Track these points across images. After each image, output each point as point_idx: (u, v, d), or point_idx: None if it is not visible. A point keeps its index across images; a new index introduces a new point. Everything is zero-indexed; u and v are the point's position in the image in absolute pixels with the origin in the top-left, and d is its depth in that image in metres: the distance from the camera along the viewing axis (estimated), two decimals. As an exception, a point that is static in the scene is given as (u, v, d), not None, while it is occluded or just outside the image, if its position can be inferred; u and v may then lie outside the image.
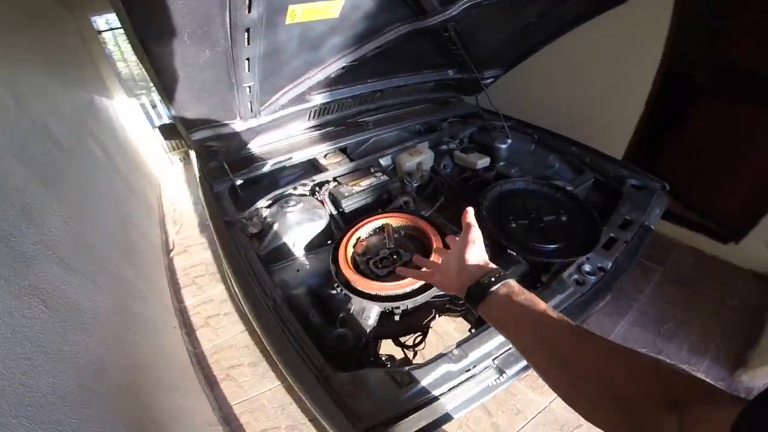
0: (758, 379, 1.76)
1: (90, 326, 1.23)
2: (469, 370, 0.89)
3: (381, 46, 1.36)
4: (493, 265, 0.68)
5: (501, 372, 0.90)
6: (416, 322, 1.23)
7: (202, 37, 0.92)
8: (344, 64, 1.38)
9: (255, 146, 1.68)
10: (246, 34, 0.98)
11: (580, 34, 1.76)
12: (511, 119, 2.02)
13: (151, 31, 0.84)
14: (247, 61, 1.10)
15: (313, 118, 1.76)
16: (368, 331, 1.05)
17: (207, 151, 1.48)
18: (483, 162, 1.74)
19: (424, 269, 0.84)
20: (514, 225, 1.33)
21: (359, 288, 1.08)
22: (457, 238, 0.77)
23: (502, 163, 1.87)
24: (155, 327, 1.90)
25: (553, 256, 1.23)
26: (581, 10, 1.56)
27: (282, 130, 1.72)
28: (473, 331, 1.06)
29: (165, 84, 1.02)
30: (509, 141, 1.90)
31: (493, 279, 0.63)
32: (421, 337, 1.24)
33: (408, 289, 1.08)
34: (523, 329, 0.58)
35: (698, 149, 2.50)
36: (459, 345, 0.94)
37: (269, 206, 1.49)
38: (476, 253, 0.71)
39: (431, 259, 0.95)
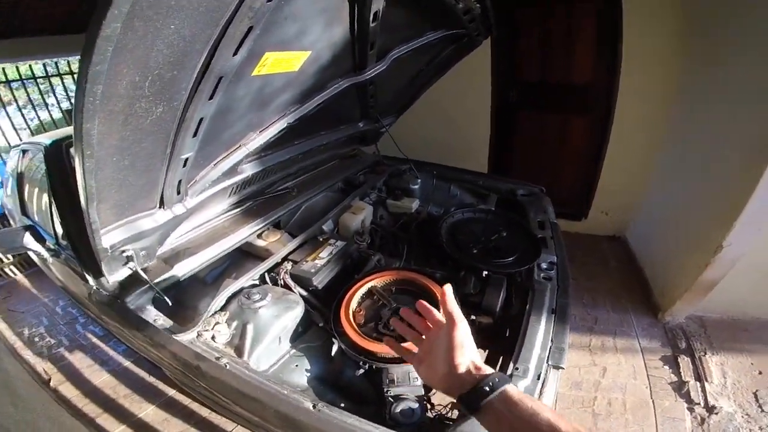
0: (677, 316, 2.50)
1: None
2: (539, 377, 1.09)
3: (321, 104, 1.48)
4: (486, 369, 0.67)
5: (557, 368, 1.14)
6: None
7: (166, 84, 0.81)
8: (285, 124, 1.44)
9: (172, 241, 1.51)
10: (215, 84, 0.93)
11: (440, 82, 2.37)
12: (409, 160, 2.47)
13: (112, 68, 0.66)
14: (198, 122, 1.03)
15: (235, 193, 1.70)
16: (423, 392, 1.12)
17: (114, 260, 1.26)
18: (415, 204, 2.05)
19: (410, 346, 0.84)
20: (475, 251, 1.66)
21: (397, 355, 1.15)
22: (439, 316, 0.79)
23: (418, 201, 2.25)
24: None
25: (518, 265, 1.59)
26: (450, 57, 2.08)
27: (203, 214, 1.59)
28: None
29: (96, 158, 0.81)
30: (419, 180, 2.31)
31: (487, 388, 0.62)
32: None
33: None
34: None
35: (530, 152, 3.56)
36: (514, 362, 1.13)
37: (223, 308, 1.38)
38: (468, 354, 0.70)
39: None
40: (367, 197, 2.13)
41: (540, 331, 1.26)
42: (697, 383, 2.15)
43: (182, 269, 1.43)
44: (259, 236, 1.71)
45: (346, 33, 1.27)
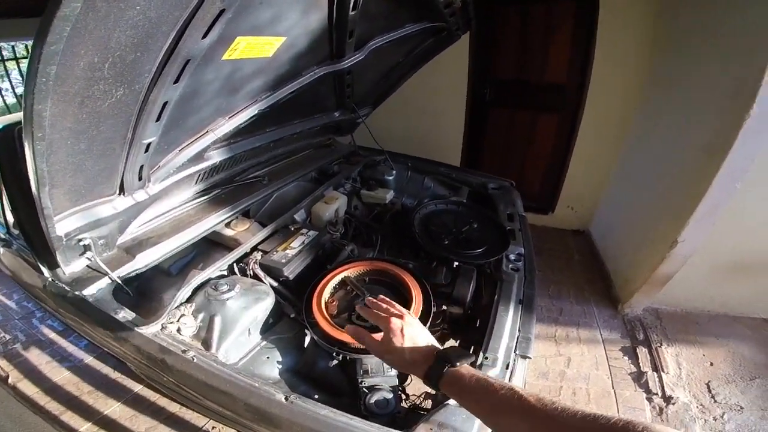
0: (635, 308, 2.64)
1: None
2: (508, 367, 1.12)
3: (294, 91, 1.44)
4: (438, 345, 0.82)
5: (524, 357, 1.18)
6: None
7: (128, 66, 0.77)
8: (257, 111, 1.39)
9: (134, 230, 1.44)
10: (181, 67, 0.89)
11: (416, 75, 2.36)
12: (385, 152, 2.46)
13: (69, 50, 0.62)
14: (161, 107, 0.99)
15: (202, 180, 1.63)
16: (397, 382, 1.14)
17: (69, 249, 1.19)
18: (389, 195, 2.05)
19: (375, 335, 0.92)
20: (447, 242, 1.69)
21: (369, 345, 1.16)
22: (399, 308, 0.93)
23: (393, 192, 2.26)
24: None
25: (487, 257, 1.63)
26: (428, 50, 2.07)
27: (166, 202, 1.51)
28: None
29: (46, 140, 0.76)
30: (394, 172, 2.31)
31: (447, 362, 0.73)
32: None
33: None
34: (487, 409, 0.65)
35: (502, 147, 3.65)
36: (483, 351, 1.16)
37: (188, 300, 1.34)
38: (424, 336, 0.84)
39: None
40: (342, 187, 2.11)
41: (508, 322, 1.30)
42: (655, 374, 2.27)
43: (145, 259, 1.37)
44: (228, 225, 1.67)
45: (324, 20, 1.24)
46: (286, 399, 0.97)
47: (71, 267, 1.21)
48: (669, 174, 2.47)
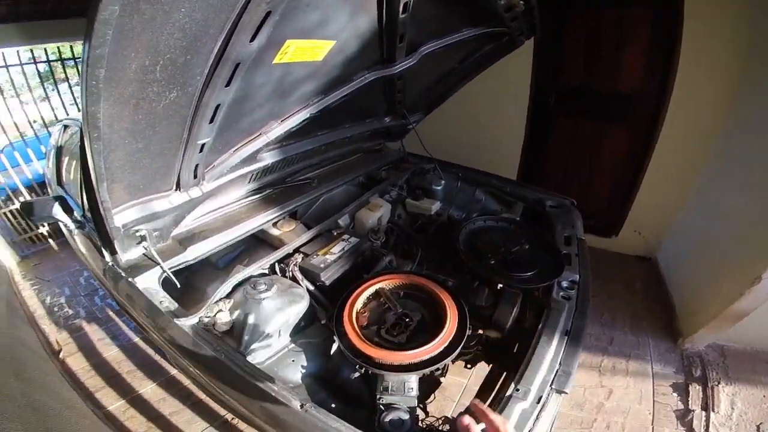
0: (697, 344, 2.40)
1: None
2: (539, 401, 1.03)
3: (345, 96, 1.44)
4: None
5: (560, 393, 1.07)
6: (432, 377, 1.32)
7: (179, 69, 0.78)
8: (308, 115, 1.41)
9: (188, 223, 1.52)
10: (232, 70, 0.91)
11: (474, 82, 2.26)
12: (434, 160, 2.39)
13: (119, 52, 0.63)
14: (214, 109, 1.01)
15: (254, 180, 1.68)
16: (417, 403, 1.08)
17: (127, 238, 1.27)
18: (436, 206, 1.97)
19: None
20: (493, 262, 1.58)
21: (394, 362, 1.11)
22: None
23: (440, 203, 2.18)
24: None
25: (536, 282, 1.50)
26: (487, 56, 1.96)
27: (220, 198, 1.58)
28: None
29: (103, 139, 0.80)
30: (443, 182, 2.23)
31: None
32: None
33: (444, 346, 1.15)
34: None
35: (565, 161, 3.38)
36: (515, 382, 1.07)
37: (228, 295, 1.38)
38: None
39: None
40: (387, 194, 2.08)
41: (549, 353, 1.19)
42: (703, 413, 2.07)
43: (195, 252, 1.44)
44: (275, 225, 1.71)
45: (374, 24, 1.21)
46: (302, 407, 0.95)
47: (128, 255, 1.30)
48: (759, 203, 2.14)
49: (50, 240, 3.67)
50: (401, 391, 1.08)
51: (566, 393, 1.10)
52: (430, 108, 2.30)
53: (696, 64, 2.52)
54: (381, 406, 1.05)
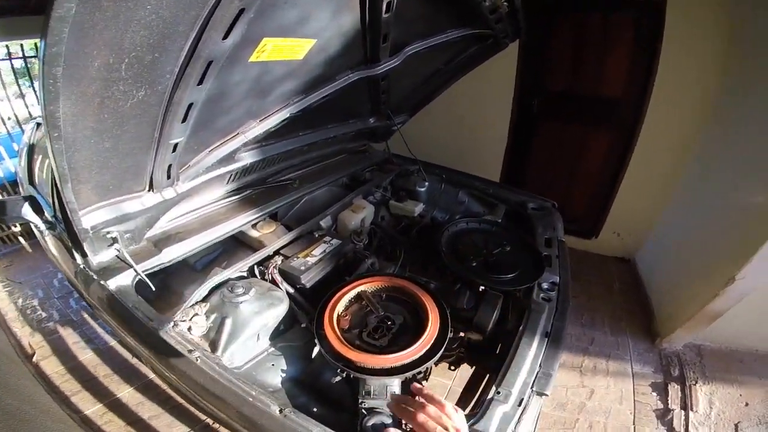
0: (674, 344, 2.46)
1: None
2: (521, 403, 1.02)
3: (328, 95, 1.42)
4: None
5: (541, 395, 1.07)
6: (415, 381, 1.31)
7: (147, 67, 0.75)
8: (288, 115, 1.38)
9: (164, 224, 1.47)
10: (204, 69, 0.88)
11: (458, 83, 2.25)
12: (419, 161, 2.38)
13: (79, 50, 0.61)
14: (186, 108, 0.98)
15: (233, 180, 1.64)
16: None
17: (97, 240, 1.22)
18: (419, 208, 1.96)
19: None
20: (474, 263, 1.58)
21: (376, 366, 1.10)
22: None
23: (423, 205, 2.17)
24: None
25: (517, 284, 1.51)
26: (472, 58, 1.96)
27: (197, 199, 1.54)
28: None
29: (65, 139, 0.76)
30: (427, 183, 2.22)
31: None
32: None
33: (426, 349, 1.14)
34: None
35: (547, 164, 3.43)
36: (496, 385, 1.06)
37: (205, 299, 1.35)
38: None
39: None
40: (371, 196, 2.06)
41: (530, 355, 1.19)
42: (682, 412, 2.13)
43: (170, 254, 1.39)
44: (254, 226, 1.67)
45: (357, 23, 1.19)
46: (281, 412, 0.93)
47: (99, 257, 1.25)
48: (736, 204, 2.21)
49: (22, 240, 3.53)
50: (383, 395, 1.07)
51: (547, 395, 1.10)
52: (415, 109, 2.29)
53: (675, 70, 2.58)
54: (363, 411, 1.04)
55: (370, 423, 1.01)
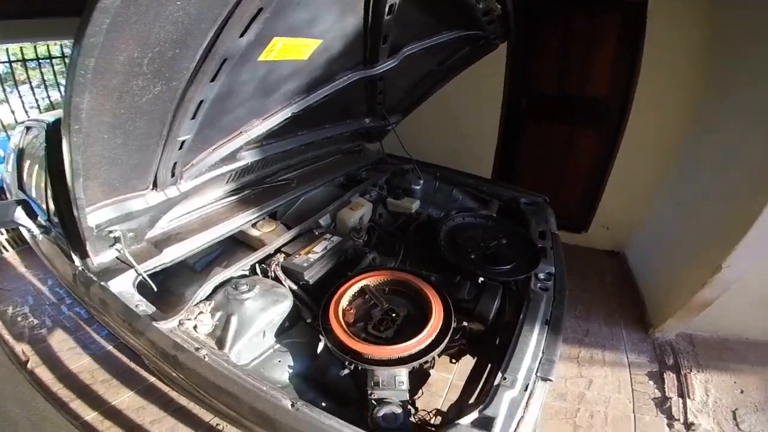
0: (667, 333, 2.53)
1: None
2: (527, 389, 1.06)
3: (327, 95, 1.45)
4: None
5: (545, 380, 1.11)
6: (421, 370, 1.34)
7: (167, 63, 0.78)
8: (289, 114, 1.41)
9: (164, 224, 1.47)
10: (219, 65, 0.90)
11: (450, 83, 2.30)
12: (413, 160, 2.43)
13: (109, 43, 0.62)
14: (197, 105, 1.00)
15: (233, 180, 1.66)
16: (408, 396, 1.09)
17: (100, 240, 1.21)
18: (416, 205, 2.01)
19: None
20: (473, 256, 1.63)
21: (384, 357, 1.13)
22: None
23: (419, 202, 2.22)
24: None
25: (515, 274, 1.56)
26: (464, 59, 2.02)
27: (197, 199, 1.55)
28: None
29: (83, 133, 0.78)
30: (422, 181, 2.27)
31: None
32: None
33: (432, 338, 1.18)
34: None
35: (536, 162, 3.52)
36: (502, 371, 1.10)
37: (208, 297, 1.35)
38: None
39: None
40: (368, 194, 2.10)
41: (532, 342, 1.23)
42: (680, 399, 2.16)
43: (171, 254, 1.40)
44: (254, 226, 1.69)
45: (359, 24, 1.24)
46: (293, 405, 0.95)
47: (100, 258, 1.25)
48: (719, 196, 2.31)
49: (6, 247, 3.44)
50: (392, 386, 1.10)
51: (551, 380, 1.14)
52: (409, 109, 2.35)
53: (659, 67, 2.69)
54: (373, 402, 1.06)
55: (380, 413, 1.03)
